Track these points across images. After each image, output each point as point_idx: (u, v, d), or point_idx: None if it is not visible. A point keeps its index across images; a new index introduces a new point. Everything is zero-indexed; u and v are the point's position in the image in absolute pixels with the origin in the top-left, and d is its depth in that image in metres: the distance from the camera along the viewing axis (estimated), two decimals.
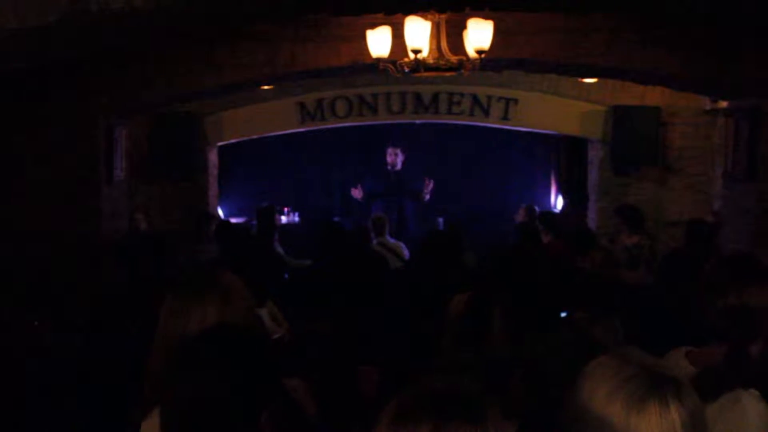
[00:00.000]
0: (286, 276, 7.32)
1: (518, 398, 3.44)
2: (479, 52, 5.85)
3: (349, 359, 4.06)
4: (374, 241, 7.83)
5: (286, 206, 11.12)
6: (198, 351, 1.73)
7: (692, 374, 2.26)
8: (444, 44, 6.16)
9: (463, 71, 6.17)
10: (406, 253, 8.02)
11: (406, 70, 6.10)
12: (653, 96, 9.16)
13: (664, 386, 1.58)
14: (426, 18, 5.92)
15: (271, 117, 9.73)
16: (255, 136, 10.07)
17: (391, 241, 8.15)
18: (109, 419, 2.54)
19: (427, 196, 9.90)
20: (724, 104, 8.34)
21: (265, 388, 1.70)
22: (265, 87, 8.94)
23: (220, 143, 9.84)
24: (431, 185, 9.84)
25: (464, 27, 6.02)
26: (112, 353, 3.19)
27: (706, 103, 8.99)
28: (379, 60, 6.14)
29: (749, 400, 2.14)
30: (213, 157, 9.84)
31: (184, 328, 2.10)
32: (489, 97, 9.75)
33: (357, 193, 9.90)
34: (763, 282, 2.26)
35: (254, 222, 9.19)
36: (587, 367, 1.69)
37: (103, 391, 2.91)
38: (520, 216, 9.39)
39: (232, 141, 9.96)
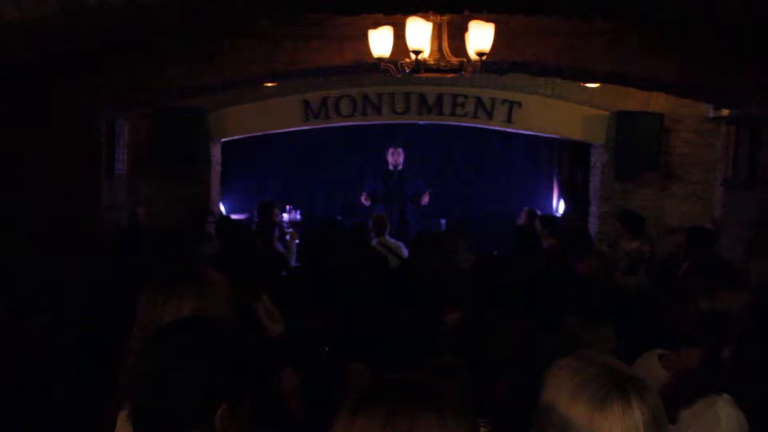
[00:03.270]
0: (285, 273, 7.33)
1: (504, 399, 3.45)
2: (480, 54, 5.86)
3: (341, 357, 4.07)
4: (374, 241, 7.83)
5: (289, 204, 11.13)
6: (163, 338, 1.76)
7: (666, 377, 2.28)
8: (445, 46, 6.17)
9: (463, 73, 6.17)
10: (405, 253, 8.01)
11: (407, 70, 6.11)
12: (657, 102, 9.16)
13: (627, 386, 1.59)
14: (427, 19, 5.93)
15: (275, 114, 9.75)
16: (259, 133, 10.10)
17: (391, 241, 8.15)
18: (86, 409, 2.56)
19: (424, 201, 9.94)
20: (726, 112, 8.33)
21: (224, 382, 1.72)
22: (269, 84, 8.96)
23: (223, 139, 9.86)
24: (427, 197, 9.91)
25: (466, 29, 6.03)
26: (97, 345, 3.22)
27: (709, 111, 8.99)
28: (380, 60, 6.16)
29: (722, 406, 2.15)
30: (216, 152, 9.85)
31: (159, 319, 2.12)
32: (493, 100, 9.76)
33: (366, 200, 9.93)
34: (732, 287, 2.27)
35: (256, 219, 9.20)
36: (552, 368, 1.70)
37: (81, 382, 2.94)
38: (521, 219, 9.41)
39: (236, 137, 9.98)
